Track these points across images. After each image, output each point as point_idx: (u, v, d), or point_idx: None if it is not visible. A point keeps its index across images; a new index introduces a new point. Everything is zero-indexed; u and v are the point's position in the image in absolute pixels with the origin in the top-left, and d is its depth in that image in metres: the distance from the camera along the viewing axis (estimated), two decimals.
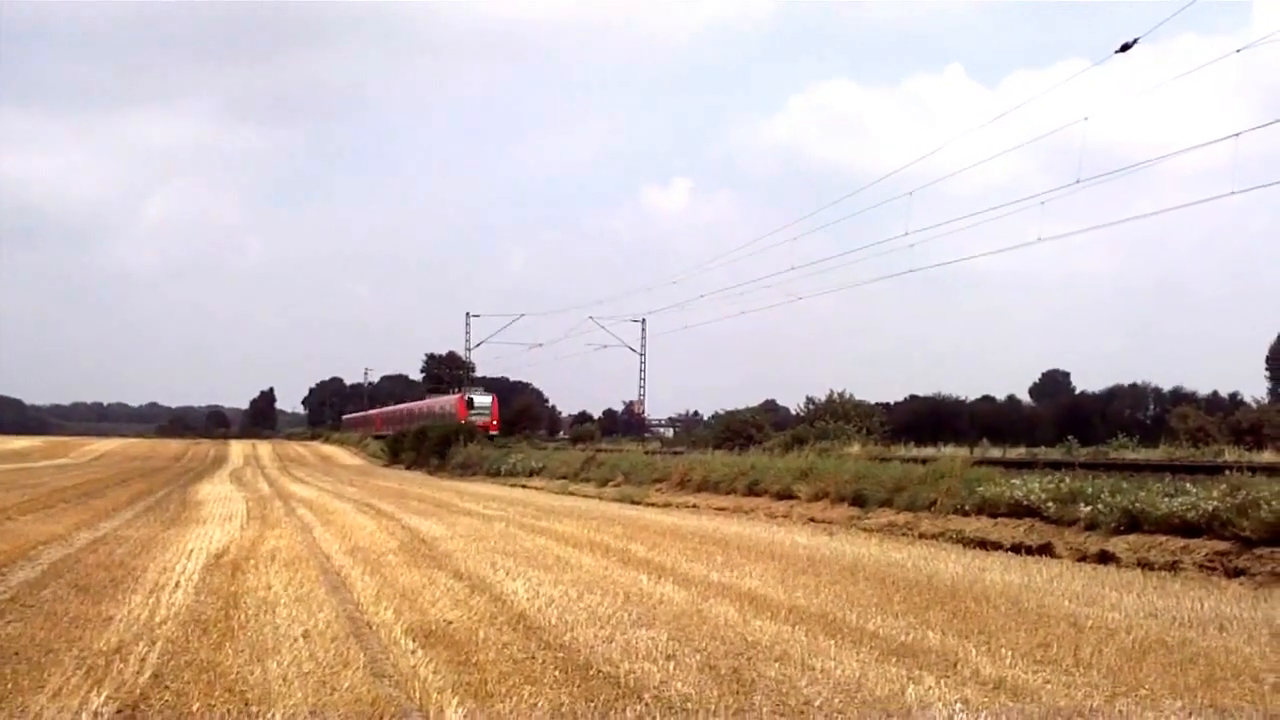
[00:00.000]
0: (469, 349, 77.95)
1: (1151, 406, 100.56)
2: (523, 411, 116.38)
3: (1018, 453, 38.05)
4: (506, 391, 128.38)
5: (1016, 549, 17.04)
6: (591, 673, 8.23)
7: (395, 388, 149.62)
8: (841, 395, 64.58)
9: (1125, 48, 22.82)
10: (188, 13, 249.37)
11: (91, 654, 8.89)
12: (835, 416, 56.30)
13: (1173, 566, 14.57)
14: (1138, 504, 16.29)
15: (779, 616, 10.65)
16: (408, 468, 62.29)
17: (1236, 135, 21.26)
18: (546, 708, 7.20)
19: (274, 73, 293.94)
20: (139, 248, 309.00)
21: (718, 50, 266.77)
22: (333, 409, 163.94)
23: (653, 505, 29.65)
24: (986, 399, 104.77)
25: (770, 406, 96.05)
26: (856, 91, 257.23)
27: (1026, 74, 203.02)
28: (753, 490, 27.83)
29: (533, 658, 8.80)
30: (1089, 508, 17.08)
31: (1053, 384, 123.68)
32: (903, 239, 31.74)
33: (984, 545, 17.69)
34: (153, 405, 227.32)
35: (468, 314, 77.49)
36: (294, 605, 11.34)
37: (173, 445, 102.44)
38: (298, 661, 8.55)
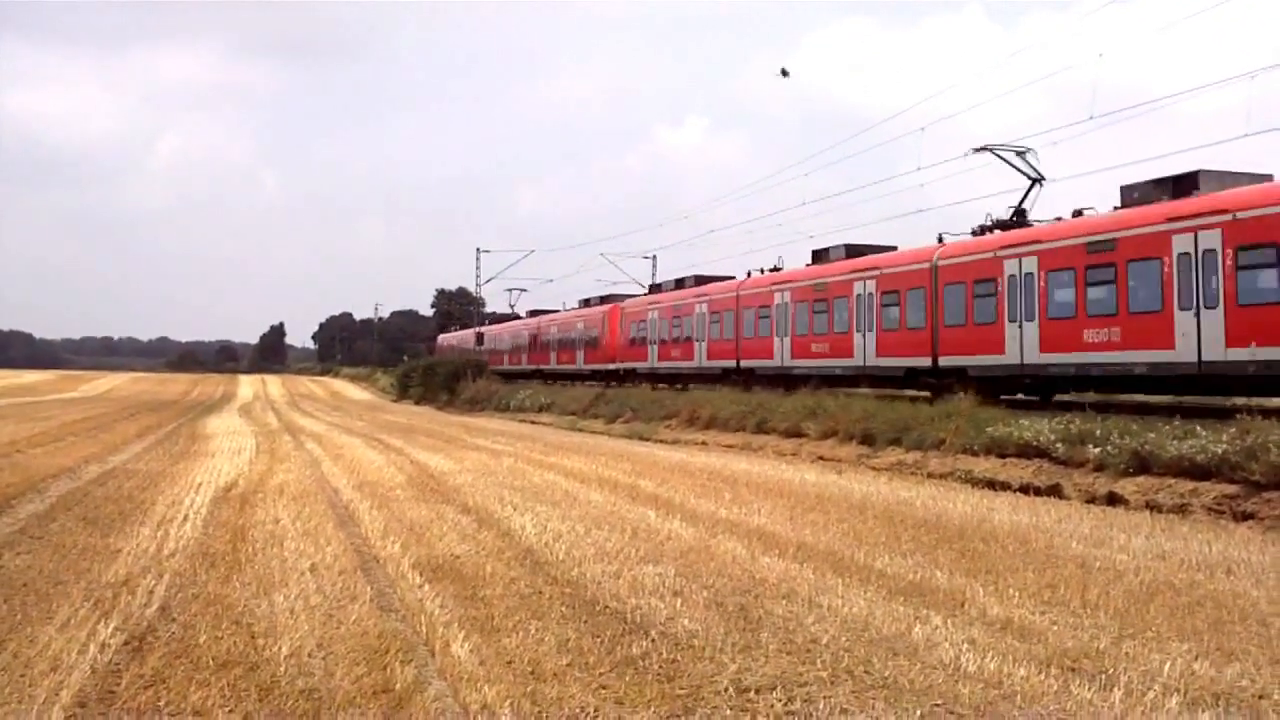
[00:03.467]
0: (479, 284, 77.48)
1: None
2: None
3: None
4: None
5: (1025, 489, 17.00)
6: (598, 608, 8.23)
7: (406, 323, 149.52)
8: None
9: None
10: None
11: (100, 586, 8.93)
12: None
13: (1181, 509, 14.53)
14: (1147, 446, 16.23)
15: (787, 554, 10.65)
16: (416, 403, 62.37)
17: (1251, 76, 20.62)
18: (553, 643, 7.20)
19: (285, 10, 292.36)
20: (151, 183, 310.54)
21: None
22: (343, 344, 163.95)
23: (661, 442, 29.67)
24: None
25: None
26: (875, 30, 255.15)
27: (1045, 14, 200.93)
28: (761, 428, 27.81)
29: (540, 593, 8.81)
30: (1098, 449, 17.03)
31: None
32: (914, 175, 30.83)
33: (992, 485, 17.67)
34: (163, 339, 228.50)
35: (478, 250, 76.82)
36: (301, 539, 11.37)
37: (182, 379, 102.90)
38: (305, 595, 8.58)
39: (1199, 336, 20.14)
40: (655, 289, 50.99)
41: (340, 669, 6.58)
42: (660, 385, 43.90)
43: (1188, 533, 12.58)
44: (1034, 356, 24.22)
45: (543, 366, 59.68)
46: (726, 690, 6.29)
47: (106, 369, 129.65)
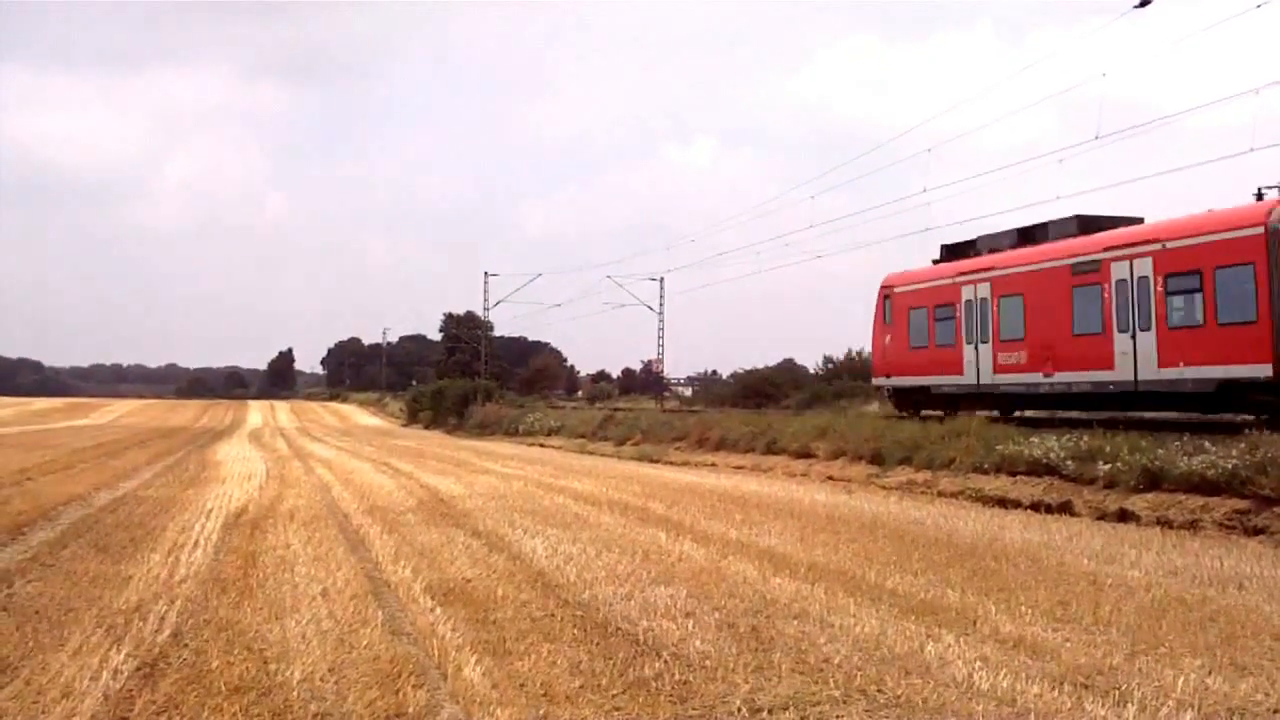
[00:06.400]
0: (487, 308, 77.53)
1: None
2: (541, 370, 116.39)
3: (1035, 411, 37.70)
4: (524, 351, 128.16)
5: (1036, 507, 16.98)
6: (610, 630, 8.22)
7: (414, 348, 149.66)
8: (860, 354, 64.41)
9: (1144, 3, 22.52)
10: None
11: (111, 613, 8.93)
12: (853, 375, 56.18)
13: (1192, 525, 14.50)
14: (1157, 462, 16.22)
15: (798, 574, 10.63)
16: (426, 427, 62.46)
17: (1256, 91, 20.66)
18: (565, 665, 7.20)
19: (294, 31, 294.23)
20: (159, 207, 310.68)
21: (743, 3, 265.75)
22: (352, 370, 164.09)
23: (671, 464, 29.68)
24: None
25: (788, 365, 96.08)
26: (883, 46, 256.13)
27: (1053, 30, 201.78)
28: (771, 449, 27.81)
29: (551, 615, 8.80)
30: (1108, 466, 17.01)
31: None
32: (921, 196, 31.11)
33: (1003, 503, 17.65)
34: (171, 366, 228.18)
35: (486, 273, 76.90)
36: (312, 564, 11.37)
37: (191, 406, 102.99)
38: (316, 620, 8.58)
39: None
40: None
41: (353, 693, 6.58)
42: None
43: (1199, 548, 12.56)
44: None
45: None
46: (739, 711, 6.29)
47: (115, 396, 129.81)
